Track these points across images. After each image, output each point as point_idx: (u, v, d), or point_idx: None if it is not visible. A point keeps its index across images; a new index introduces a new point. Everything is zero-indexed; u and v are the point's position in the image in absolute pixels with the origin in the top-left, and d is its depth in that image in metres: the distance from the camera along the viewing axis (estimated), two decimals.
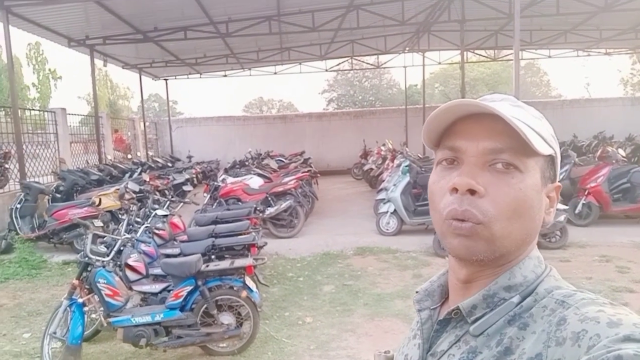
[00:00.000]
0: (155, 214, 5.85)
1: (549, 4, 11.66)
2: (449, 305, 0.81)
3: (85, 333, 4.18)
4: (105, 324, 4.06)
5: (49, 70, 32.84)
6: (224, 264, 4.29)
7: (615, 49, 19.06)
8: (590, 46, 17.76)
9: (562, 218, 6.81)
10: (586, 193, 8.08)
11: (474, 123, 0.73)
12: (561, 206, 6.75)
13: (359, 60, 19.71)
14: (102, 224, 7.38)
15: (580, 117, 18.20)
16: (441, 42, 16.13)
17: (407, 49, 17.58)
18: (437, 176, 0.77)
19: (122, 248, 4.67)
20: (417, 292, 0.87)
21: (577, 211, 8.08)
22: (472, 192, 0.70)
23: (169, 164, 14.52)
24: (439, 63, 19.73)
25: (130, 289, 4.69)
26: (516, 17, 7.77)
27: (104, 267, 4.14)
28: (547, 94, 42.56)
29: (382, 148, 13.36)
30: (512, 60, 7.83)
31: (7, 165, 9.89)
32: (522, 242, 0.73)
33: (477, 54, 19.30)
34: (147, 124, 18.67)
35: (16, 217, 7.63)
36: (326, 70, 19.64)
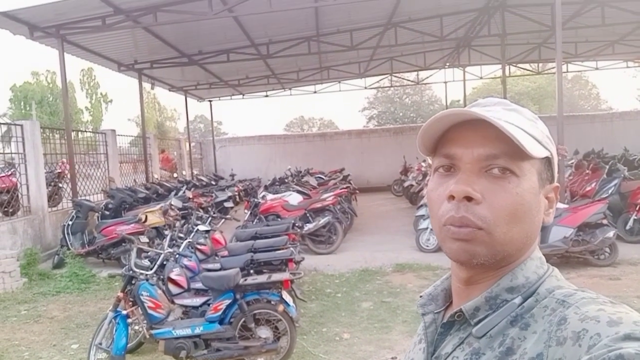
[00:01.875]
0: (198, 229, 6.01)
1: (593, 15, 11.38)
2: (453, 308, 0.82)
3: (129, 345, 4.33)
4: (147, 336, 4.19)
5: (101, 94, 34.56)
6: (262, 278, 4.36)
7: None
8: None
9: (611, 234, 6.54)
10: (637, 208, 7.71)
11: (468, 130, 0.74)
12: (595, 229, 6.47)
13: (399, 77, 19.72)
14: (147, 240, 7.67)
15: (631, 129, 17.46)
16: (482, 57, 15.96)
17: (448, 64, 17.48)
18: (435, 184, 0.78)
19: (165, 262, 4.83)
20: (420, 296, 0.88)
21: (627, 227, 7.72)
22: (469, 199, 0.71)
23: (213, 182, 14.87)
24: (481, 78, 19.48)
25: (173, 302, 4.84)
26: (558, 30, 7.64)
27: (147, 280, 4.29)
28: (597, 107, 41.07)
29: (423, 164, 13.22)
30: (555, 71, 7.65)
31: (61, 185, 10.42)
32: (522, 244, 0.74)
33: (520, 67, 18.94)
34: (192, 144, 19.27)
35: (68, 234, 8.01)
36: (365, 88, 19.74)
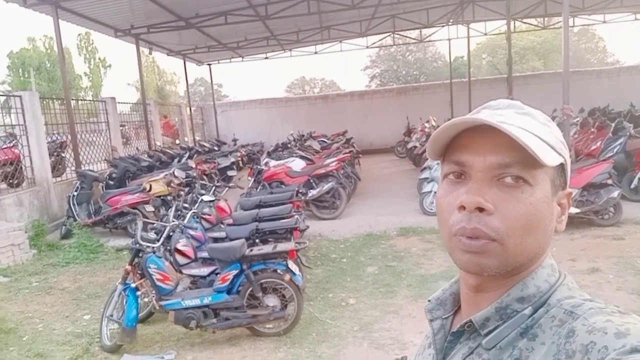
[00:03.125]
0: (202, 199, 6.03)
1: None
2: (461, 315, 0.81)
3: (140, 315, 4.43)
4: (157, 307, 4.28)
5: (99, 59, 34.07)
6: (267, 249, 4.40)
7: None
8: None
9: (615, 194, 6.53)
10: None
11: (480, 136, 0.71)
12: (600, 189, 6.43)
13: (401, 35, 19.28)
14: (153, 209, 7.73)
15: (638, 84, 17.14)
16: (487, 12, 15.50)
17: (451, 21, 17.03)
18: (445, 191, 0.76)
19: (171, 234, 4.87)
20: (429, 300, 0.87)
21: (632, 186, 7.70)
22: (480, 209, 0.69)
23: (215, 148, 14.84)
24: (485, 34, 19.00)
25: (180, 272, 4.91)
26: None
27: (154, 252, 4.34)
28: (603, 60, 40.28)
29: (426, 125, 13.11)
30: (562, 27, 7.45)
31: (63, 154, 10.42)
32: (535, 254, 0.72)
33: (525, 22, 18.44)
34: (193, 109, 19.10)
35: (74, 204, 8.06)
36: (367, 47, 19.34)
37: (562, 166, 0.74)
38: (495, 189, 0.70)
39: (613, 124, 8.75)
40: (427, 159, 9.43)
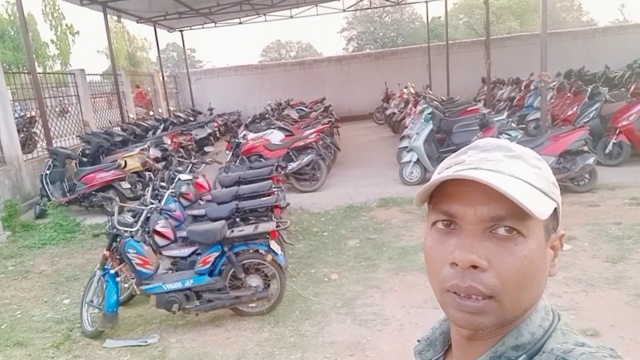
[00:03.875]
0: (179, 178, 5.91)
1: None
2: (452, 358, 0.80)
3: (121, 298, 4.38)
4: (138, 292, 4.23)
5: (66, 25, 32.62)
6: (248, 230, 4.36)
7: None
8: None
9: (591, 161, 6.62)
10: (617, 132, 7.78)
11: (469, 185, 0.67)
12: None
13: None
14: (129, 186, 7.59)
15: (613, 45, 17.26)
16: None
17: None
18: (434, 241, 0.72)
19: (149, 215, 4.78)
20: (418, 341, 0.85)
21: (607, 151, 7.83)
22: (474, 266, 0.66)
23: (191, 118, 14.55)
24: None
25: (160, 254, 4.86)
26: None
27: (132, 237, 4.26)
28: (578, 19, 40.35)
29: (405, 91, 13.02)
30: None
31: (33, 130, 10.08)
32: (530, 305, 0.70)
33: None
34: (166, 76, 18.57)
35: (47, 183, 7.84)
36: (344, 10, 18.91)
37: (554, 210, 0.71)
38: (488, 242, 0.67)
39: (589, 89, 8.81)
40: (406, 127, 9.41)
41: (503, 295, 0.66)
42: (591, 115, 8.07)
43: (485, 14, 11.83)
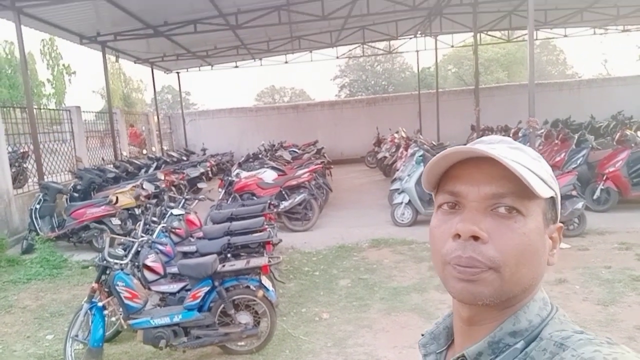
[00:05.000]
0: (171, 213, 5.89)
1: None
2: (455, 349, 0.82)
3: (107, 334, 4.26)
4: (125, 326, 4.13)
5: (63, 65, 33.14)
6: (240, 264, 4.32)
7: (633, 26, 18.54)
8: (608, 23, 17.32)
9: (579, 205, 6.71)
10: (604, 178, 7.93)
11: (474, 167, 0.73)
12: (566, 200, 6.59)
13: (370, 46, 19.49)
14: (119, 222, 7.53)
15: (598, 97, 17.85)
16: (454, 25, 15.86)
17: (419, 33, 17.33)
18: (439, 221, 0.77)
19: (139, 249, 4.73)
20: (422, 335, 0.88)
21: (595, 197, 7.95)
22: (475, 238, 0.70)
23: (184, 158, 14.61)
24: (452, 46, 19.44)
25: (149, 289, 4.77)
26: None
27: (122, 269, 4.20)
28: (564, 72, 41.74)
29: (396, 136, 13.26)
30: (526, 40, 7.65)
31: (25, 165, 10.06)
32: (528, 286, 0.73)
33: (490, 35, 18.93)
34: (160, 117, 18.77)
35: (36, 218, 7.76)
36: (337, 57, 19.46)
37: (553, 200, 0.76)
38: (489, 218, 0.71)
39: (576, 137, 9.04)
40: (397, 170, 9.52)
41: (502, 267, 0.69)
42: (579, 162, 8.24)
43: (474, 62, 12.22)
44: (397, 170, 9.43)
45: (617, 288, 4.97)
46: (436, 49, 17.78)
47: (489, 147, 0.75)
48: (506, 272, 0.69)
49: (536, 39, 20.24)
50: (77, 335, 4.13)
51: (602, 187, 7.93)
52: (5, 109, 9.19)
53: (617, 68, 39.07)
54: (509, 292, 0.71)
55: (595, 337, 0.67)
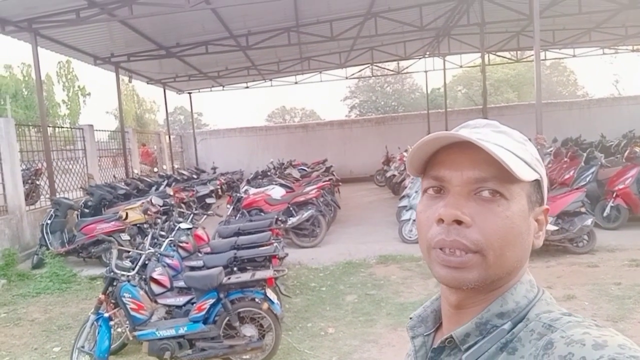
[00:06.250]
0: (179, 227, 5.95)
1: (570, 3, 11.49)
2: (443, 331, 0.81)
3: (112, 346, 4.28)
4: (131, 338, 4.15)
5: (79, 87, 33.82)
6: (245, 277, 4.34)
7: None
8: (617, 44, 17.37)
9: (589, 222, 6.65)
10: (614, 195, 7.87)
11: (457, 152, 0.74)
12: (551, 221, 6.55)
13: (379, 67, 19.70)
14: (129, 238, 7.58)
15: (608, 116, 17.77)
16: (462, 46, 16.02)
17: (428, 53, 17.51)
18: (424, 205, 0.77)
19: (147, 262, 4.78)
20: (410, 318, 0.87)
21: (605, 214, 7.88)
22: (458, 222, 0.71)
23: (194, 176, 14.74)
24: (460, 66, 19.57)
25: (155, 302, 4.80)
26: (535, 18, 7.69)
27: (129, 281, 4.24)
28: (574, 93, 41.62)
29: (405, 154, 13.27)
30: (534, 61, 7.72)
31: (38, 182, 10.22)
32: (513, 268, 0.73)
33: (499, 55, 19.06)
34: (172, 137, 19.03)
35: (47, 233, 7.87)
36: (346, 78, 19.69)
37: (538, 183, 0.76)
38: (472, 202, 0.72)
39: (585, 154, 9.00)
40: (405, 187, 9.52)
41: (486, 250, 0.70)
42: (588, 179, 8.19)
43: (482, 82, 12.28)
44: (406, 187, 9.43)
45: (627, 304, 4.89)
46: (444, 69, 17.93)
47: (473, 131, 0.76)
48: (490, 255, 0.70)
49: (545, 59, 20.35)
50: (83, 347, 4.15)
51: (612, 205, 7.86)
52: (20, 128, 9.38)
53: (628, 88, 38.90)
54: (494, 275, 0.71)
55: (584, 319, 0.67)
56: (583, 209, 6.83)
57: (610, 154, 11.89)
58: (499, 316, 0.72)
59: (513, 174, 0.68)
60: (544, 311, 0.71)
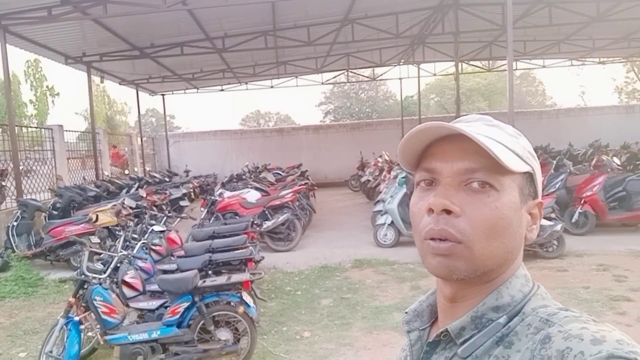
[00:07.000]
0: (152, 229, 5.83)
1: (541, 15, 11.80)
2: (438, 325, 0.81)
3: (82, 351, 4.16)
4: (102, 342, 4.04)
5: (47, 87, 32.93)
6: (221, 280, 4.29)
7: (609, 58, 19.25)
8: (584, 55, 17.94)
9: (558, 227, 6.82)
10: (582, 202, 8.09)
11: (448, 144, 0.74)
12: (545, 222, 6.71)
13: (355, 73, 19.83)
14: (99, 240, 7.40)
15: (575, 125, 18.31)
16: (436, 54, 16.27)
17: (403, 61, 17.72)
18: (417, 197, 0.78)
19: (118, 265, 4.66)
20: (406, 312, 0.87)
21: (573, 220, 8.09)
22: (448, 212, 0.71)
23: (166, 179, 14.52)
24: (434, 74, 19.87)
25: (127, 305, 4.68)
26: (509, 29, 7.85)
27: (100, 284, 4.13)
28: (543, 103, 42.77)
29: (379, 159, 13.39)
30: (506, 70, 7.88)
31: (4, 183, 9.88)
32: (503, 260, 0.73)
33: (472, 64, 19.44)
34: (144, 139, 18.71)
35: (13, 235, 7.61)
36: (322, 84, 19.73)
37: (531, 176, 0.76)
38: (462, 193, 0.72)
39: (554, 162, 9.24)
40: (380, 192, 9.58)
41: (473, 241, 0.70)
42: (557, 186, 8.40)
43: (456, 90, 12.49)
44: (380, 192, 9.49)
45: (595, 307, 5.02)
46: (419, 76, 18.17)
47: (466, 125, 0.76)
48: (476, 247, 0.70)
49: (516, 69, 20.82)
50: (51, 352, 4.02)
51: (580, 211, 8.08)
52: None
53: (594, 99, 40.20)
54: (483, 266, 0.71)
55: (581, 314, 0.67)
56: (553, 215, 6.99)
57: (577, 162, 12.22)
58: (495, 310, 0.72)
59: (502, 164, 0.69)
60: (540, 305, 0.71)
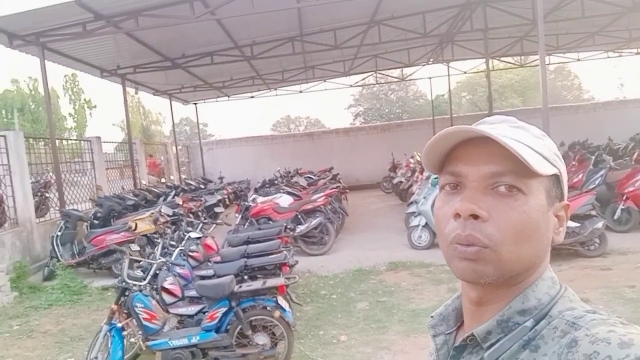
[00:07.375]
0: (189, 236, 5.96)
1: (573, 8, 11.50)
2: (464, 329, 0.81)
3: (126, 357, 4.28)
4: (144, 348, 4.15)
5: (85, 100, 34.08)
6: (256, 285, 4.35)
7: None
8: (621, 47, 17.35)
9: (600, 225, 6.61)
10: (624, 198, 7.82)
11: (474, 147, 0.73)
12: (571, 223, 6.49)
13: (383, 74, 19.74)
14: (138, 248, 7.61)
15: (614, 119, 17.70)
16: (465, 52, 16.04)
17: (431, 60, 17.54)
18: (442, 202, 0.77)
19: (157, 272, 4.78)
20: (431, 316, 0.86)
21: (615, 217, 7.83)
22: (475, 216, 0.70)
23: (202, 186, 14.80)
24: (465, 72, 19.61)
25: (167, 311, 4.80)
26: (539, 23, 7.69)
27: (141, 291, 4.25)
28: (579, 97, 41.51)
29: (411, 160, 13.28)
30: (539, 65, 7.72)
31: (47, 194, 10.28)
32: (531, 264, 0.72)
33: (503, 61, 19.07)
34: (179, 147, 19.12)
35: (57, 245, 7.90)
36: (351, 86, 19.75)
37: (557, 178, 0.75)
38: (489, 197, 0.71)
39: (593, 157, 8.96)
40: (413, 194, 9.50)
41: (500, 245, 0.69)
42: (597, 182, 8.15)
43: (487, 87, 12.28)
44: (413, 193, 9.41)
45: None
46: (449, 75, 17.97)
47: (490, 127, 0.76)
48: (504, 251, 0.69)
49: (549, 64, 20.35)
50: (96, 357, 4.15)
51: (623, 207, 7.81)
52: (29, 141, 9.47)
53: (633, 91, 38.80)
54: (511, 270, 0.71)
55: (609, 317, 0.65)
56: (594, 212, 6.79)
57: (618, 157, 11.82)
58: (521, 313, 0.71)
59: (530, 167, 0.68)
60: (567, 308, 0.70)
